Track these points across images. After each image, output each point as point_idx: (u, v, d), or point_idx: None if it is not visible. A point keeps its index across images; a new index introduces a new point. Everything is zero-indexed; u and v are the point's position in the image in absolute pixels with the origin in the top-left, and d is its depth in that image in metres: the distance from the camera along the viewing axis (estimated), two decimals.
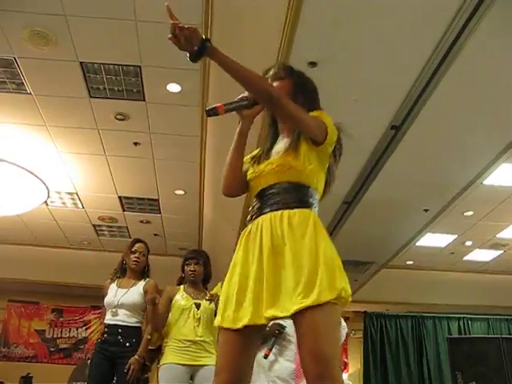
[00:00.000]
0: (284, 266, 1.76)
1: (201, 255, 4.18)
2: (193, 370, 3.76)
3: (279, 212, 1.85)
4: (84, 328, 11.50)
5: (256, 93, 1.92)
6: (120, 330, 3.90)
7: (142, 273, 4.18)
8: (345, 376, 11.19)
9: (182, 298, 3.96)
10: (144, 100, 5.23)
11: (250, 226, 1.92)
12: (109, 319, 3.96)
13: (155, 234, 8.74)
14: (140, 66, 4.76)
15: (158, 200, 7.57)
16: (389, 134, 5.33)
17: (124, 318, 3.94)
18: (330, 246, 1.84)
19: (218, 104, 1.91)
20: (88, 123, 5.68)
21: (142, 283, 4.10)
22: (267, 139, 2.14)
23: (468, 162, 5.92)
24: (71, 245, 9.72)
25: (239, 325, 1.76)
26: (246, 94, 1.97)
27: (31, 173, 6.60)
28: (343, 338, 4.07)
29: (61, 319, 11.62)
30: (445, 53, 4.19)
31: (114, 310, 3.95)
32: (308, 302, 1.65)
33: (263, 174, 1.96)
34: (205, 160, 6.19)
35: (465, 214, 7.36)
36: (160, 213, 8.01)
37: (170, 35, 1.78)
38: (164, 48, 4.49)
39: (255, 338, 1.86)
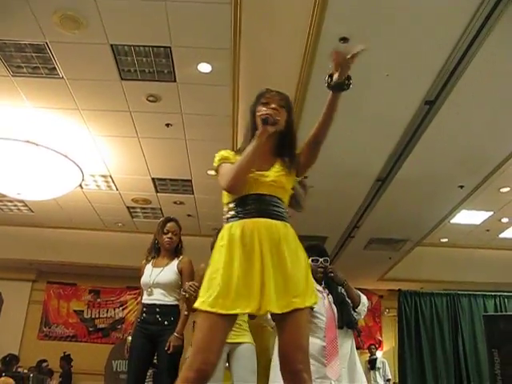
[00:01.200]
0: (285, 271, 2.08)
1: None
2: (229, 348, 3.76)
3: (274, 221, 2.16)
4: (121, 308, 11.74)
5: (328, 129, 2.21)
6: (158, 309, 3.88)
7: (176, 251, 4.16)
8: (379, 354, 11.22)
9: None
10: (175, 81, 5.22)
11: (241, 225, 2.15)
12: (146, 299, 3.95)
13: (188, 215, 8.79)
14: (170, 47, 4.75)
15: (190, 181, 7.60)
16: (423, 109, 5.23)
17: (160, 296, 3.92)
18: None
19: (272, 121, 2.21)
20: (120, 106, 5.72)
21: (175, 261, 4.08)
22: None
23: (504, 137, 5.79)
24: (106, 227, 9.87)
25: (235, 311, 2.02)
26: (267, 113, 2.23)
27: (65, 156, 6.69)
28: (363, 314, 4.05)
29: (98, 300, 11.89)
30: (480, 26, 4.07)
31: (149, 289, 3.94)
32: (299, 304, 2.05)
33: (256, 182, 2.20)
34: (237, 139, 6.18)
35: (501, 190, 7.24)
36: (193, 193, 8.05)
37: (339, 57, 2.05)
38: (194, 28, 4.51)
39: (233, 323, 2.14)
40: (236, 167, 2.19)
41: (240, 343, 3.78)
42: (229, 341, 3.68)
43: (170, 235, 4.10)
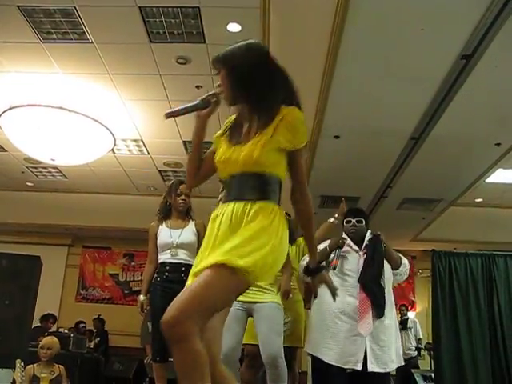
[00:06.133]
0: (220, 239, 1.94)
1: None
2: (250, 307, 3.77)
3: (238, 203, 1.96)
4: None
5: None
6: (183, 269, 3.98)
7: (187, 213, 4.27)
8: (412, 314, 11.25)
9: None
10: (204, 42, 5.15)
11: (217, 210, 2.06)
12: (169, 258, 4.06)
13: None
14: (199, 7, 4.68)
15: None
16: (459, 64, 5.06)
17: (184, 257, 4.04)
18: (266, 232, 1.89)
19: (173, 110, 2.14)
20: (150, 69, 5.69)
21: (191, 223, 4.21)
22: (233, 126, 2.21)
23: None
24: (139, 191, 9.96)
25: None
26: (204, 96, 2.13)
27: (97, 121, 6.73)
28: (406, 276, 4.16)
29: (132, 263, 12.11)
30: None
31: (174, 250, 4.05)
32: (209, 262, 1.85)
33: (228, 162, 2.03)
34: None
35: None
36: None
37: None
38: None
39: None
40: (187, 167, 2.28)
41: (261, 302, 3.76)
42: (246, 299, 3.68)
43: (183, 196, 4.18)
